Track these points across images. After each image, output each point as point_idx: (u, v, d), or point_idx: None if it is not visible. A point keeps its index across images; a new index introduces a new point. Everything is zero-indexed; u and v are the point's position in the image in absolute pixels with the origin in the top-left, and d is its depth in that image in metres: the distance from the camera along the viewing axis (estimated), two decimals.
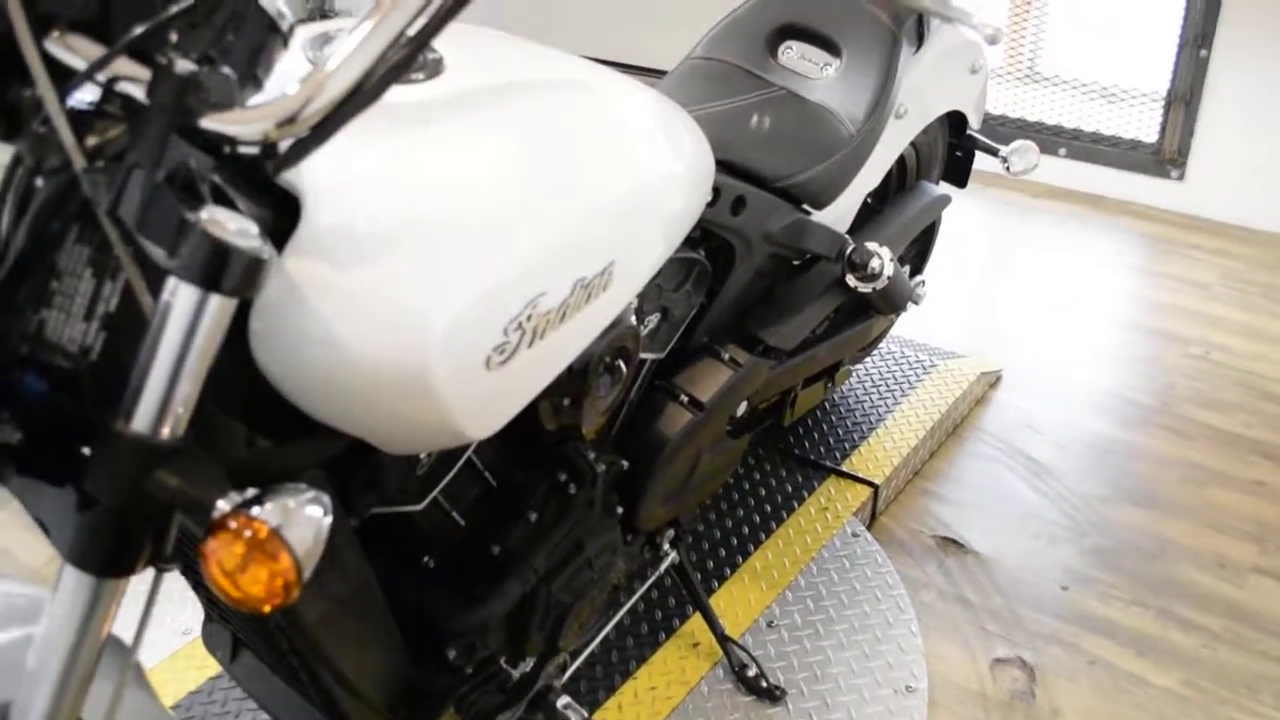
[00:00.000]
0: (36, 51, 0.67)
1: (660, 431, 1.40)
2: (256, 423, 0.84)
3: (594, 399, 1.15)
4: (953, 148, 2.13)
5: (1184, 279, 2.97)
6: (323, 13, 4.63)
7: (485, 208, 0.89)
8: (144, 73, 0.70)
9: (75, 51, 0.72)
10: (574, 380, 1.11)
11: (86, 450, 0.76)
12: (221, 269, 0.67)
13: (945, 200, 2.02)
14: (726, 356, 1.49)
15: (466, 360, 0.86)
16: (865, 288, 1.65)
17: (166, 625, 1.67)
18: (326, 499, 0.72)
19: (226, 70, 0.71)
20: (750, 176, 1.51)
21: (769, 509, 1.94)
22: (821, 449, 2.09)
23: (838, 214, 1.69)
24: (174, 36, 0.70)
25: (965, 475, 2.15)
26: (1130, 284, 2.96)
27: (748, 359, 1.50)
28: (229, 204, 0.76)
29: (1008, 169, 2.05)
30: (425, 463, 1.08)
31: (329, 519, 0.72)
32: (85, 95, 0.74)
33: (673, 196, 1.11)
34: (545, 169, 0.95)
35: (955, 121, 2.07)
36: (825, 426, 2.16)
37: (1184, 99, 3.26)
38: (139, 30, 0.69)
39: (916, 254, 2.22)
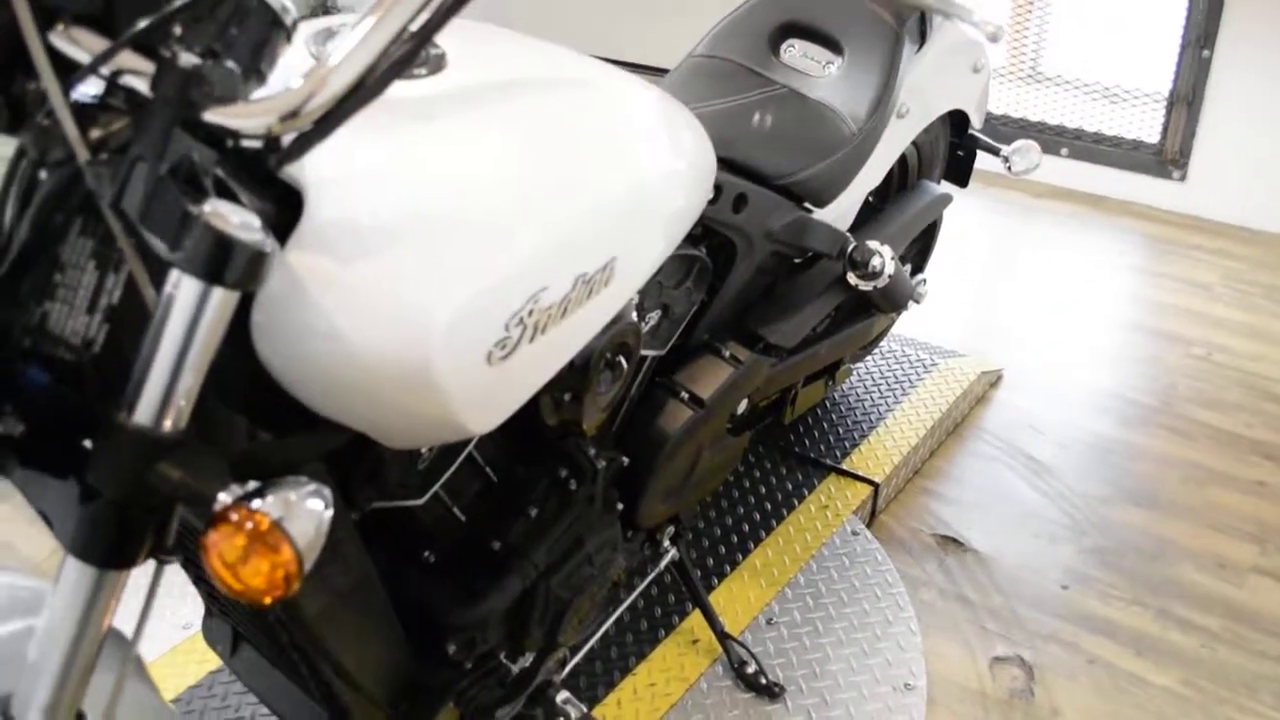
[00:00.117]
0: (41, 45, 0.68)
1: (661, 428, 1.40)
2: (258, 416, 0.84)
3: (595, 395, 1.15)
4: (954, 147, 2.13)
5: (1186, 279, 2.97)
6: (326, 8, 4.64)
7: (487, 203, 0.89)
8: (148, 66, 0.71)
9: (79, 45, 0.72)
10: (575, 376, 1.11)
11: (89, 442, 0.76)
12: (224, 262, 0.67)
13: (947, 199, 2.02)
14: (727, 354, 1.49)
15: (468, 355, 0.87)
16: (866, 286, 1.65)
17: (167, 619, 1.67)
18: (328, 492, 0.73)
19: (230, 64, 0.71)
20: (752, 174, 1.51)
21: (769, 506, 1.94)
22: (822, 447, 2.10)
23: (839, 212, 1.69)
24: (178, 30, 0.70)
25: (965, 474, 2.15)
26: (1132, 284, 2.96)
27: (749, 356, 1.50)
28: (232, 197, 0.77)
29: (1009, 169, 2.05)
30: (426, 457, 1.08)
31: (330, 512, 0.72)
32: (89, 88, 0.75)
33: (674, 194, 1.11)
34: (547, 165, 0.96)
35: (957, 121, 2.07)
36: (826, 424, 2.17)
37: (1186, 99, 3.26)
38: (143, 24, 0.69)
39: (918, 253, 2.22)
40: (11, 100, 0.74)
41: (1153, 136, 3.38)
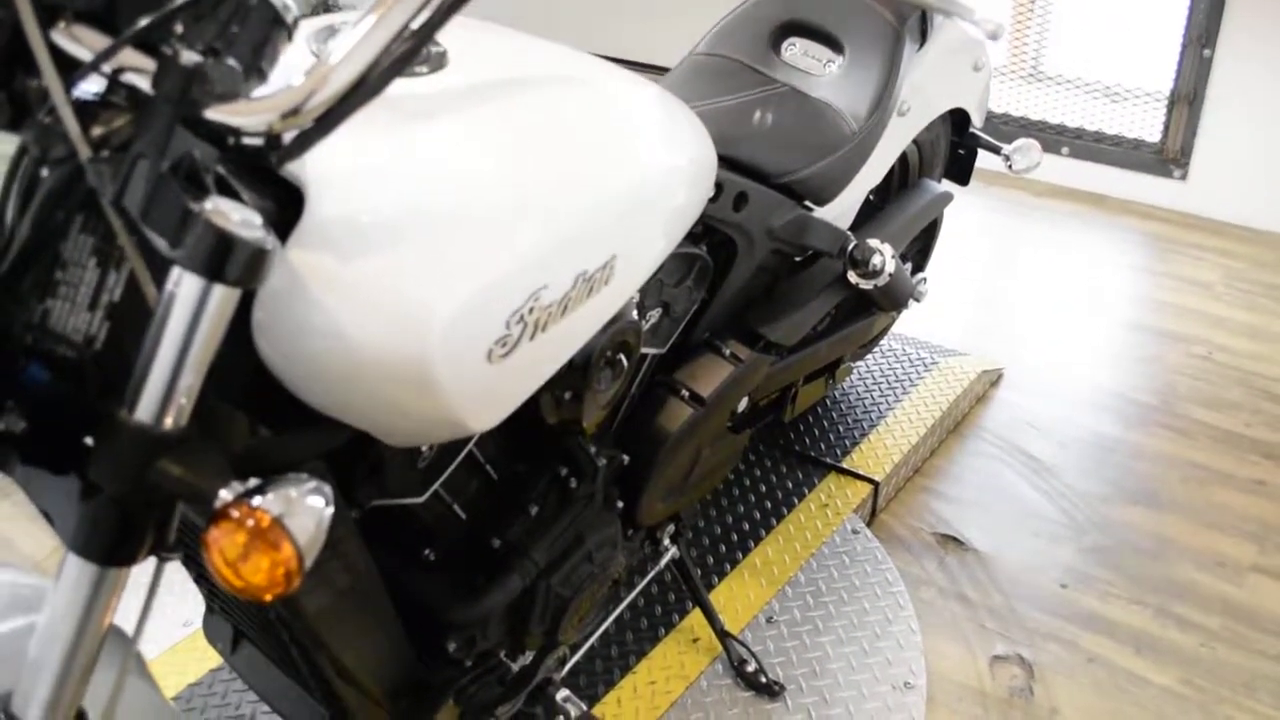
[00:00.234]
0: (43, 42, 0.68)
1: (661, 426, 1.40)
2: (259, 413, 0.84)
3: (595, 393, 1.15)
4: (955, 145, 2.13)
5: (1186, 278, 2.97)
6: (327, 6, 4.64)
7: (488, 201, 0.89)
8: (149, 64, 0.71)
9: (81, 42, 0.72)
10: (575, 374, 1.11)
11: (90, 439, 0.76)
12: (225, 259, 0.67)
13: (947, 198, 2.02)
14: (728, 352, 1.49)
15: (468, 352, 0.87)
16: (867, 284, 1.65)
17: (167, 617, 1.67)
18: (328, 489, 0.73)
19: (231, 62, 0.71)
20: (753, 172, 1.51)
21: (769, 505, 1.94)
22: (822, 445, 2.10)
23: (840, 210, 1.69)
24: (179, 28, 0.70)
25: (966, 473, 2.15)
26: (1132, 283, 2.96)
27: (749, 355, 1.50)
28: (233, 195, 0.77)
29: (1010, 167, 2.05)
30: (427, 455, 1.08)
31: (330, 509, 0.72)
32: (91, 86, 0.75)
33: (675, 192, 1.11)
34: (548, 163, 0.96)
35: (958, 119, 2.07)
36: (826, 423, 2.17)
37: (1187, 98, 3.26)
38: (145, 21, 0.70)
39: (918, 251, 2.22)
40: (13, 97, 0.74)
41: (1154, 135, 3.37)
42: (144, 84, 0.71)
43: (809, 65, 1.71)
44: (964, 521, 2.01)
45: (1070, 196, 3.46)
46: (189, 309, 0.69)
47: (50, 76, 0.68)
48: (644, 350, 1.40)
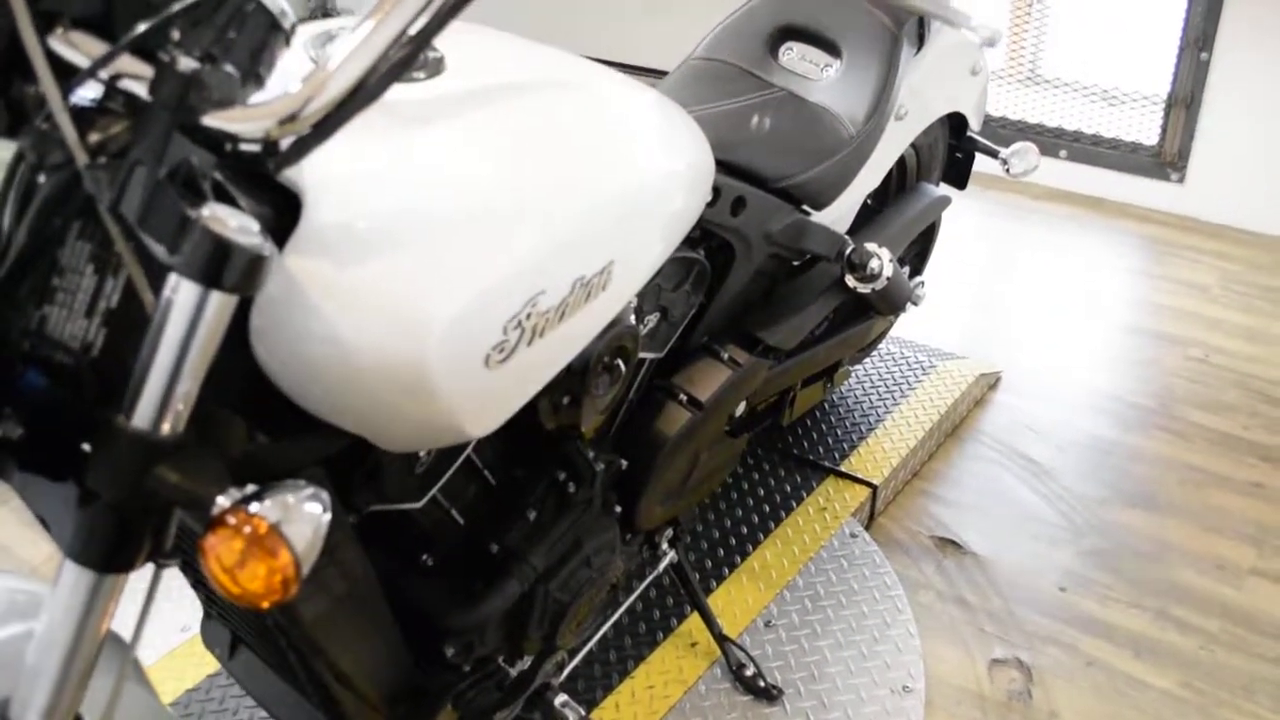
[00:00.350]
0: (40, 48, 0.68)
1: (659, 431, 1.40)
2: (256, 419, 0.84)
3: (593, 398, 1.15)
4: (953, 149, 2.14)
5: (1184, 281, 2.97)
6: (325, 11, 4.64)
7: (485, 206, 0.89)
8: (147, 70, 0.71)
9: (78, 49, 0.72)
10: (573, 379, 1.11)
11: (87, 446, 0.76)
12: (222, 266, 0.67)
13: (945, 201, 2.02)
14: (726, 356, 1.49)
15: (466, 358, 0.87)
16: (865, 288, 1.65)
17: (165, 623, 1.67)
18: (326, 496, 0.73)
19: (229, 68, 0.71)
20: (750, 177, 1.51)
21: (767, 509, 1.94)
22: (820, 449, 2.10)
23: (837, 214, 1.69)
24: (176, 34, 0.70)
25: (964, 476, 2.15)
26: (1130, 286, 2.97)
27: (747, 359, 1.50)
28: (230, 201, 0.77)
29: (1008, 171, 2.05)
30: (425, 460, 1.08)
31: (328, 516, 0.72)
32: (88, 92, 0.75)
33: (673, 196, 1.11)
34: (545, 168, 0.96)
35: (955, 123, 2.08)
36: (824, 427, 2.17)
37: (1184, 102, 3.26)
38: (142, 28, 0.70)
39: (916, 255, 2.22)
40: (10, 104, 0.74)
41: (1151, 139, 3.38)
42: (141, 90, 0.71)
43: (806, 70, 1.71)
44: (962, 525, 2.01)
45: (1068, 200, 3.46)
46: (186, 315, 0.69)
47: (47, 83, 0.68)
48: (642, 355, 1.40)
